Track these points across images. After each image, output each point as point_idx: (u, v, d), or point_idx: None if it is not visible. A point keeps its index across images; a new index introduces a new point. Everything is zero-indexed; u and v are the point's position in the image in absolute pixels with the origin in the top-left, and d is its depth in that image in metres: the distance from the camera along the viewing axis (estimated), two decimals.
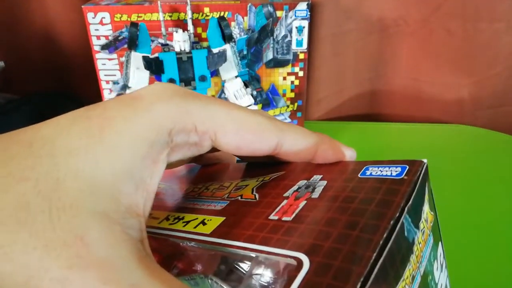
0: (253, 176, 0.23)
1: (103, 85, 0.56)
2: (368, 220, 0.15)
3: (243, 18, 0.53)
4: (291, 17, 0.54)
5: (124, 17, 0.52)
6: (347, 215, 0.16)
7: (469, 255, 0.43)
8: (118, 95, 0.56)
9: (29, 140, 0.16)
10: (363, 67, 0.72)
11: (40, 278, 0.13)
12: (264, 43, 0.55)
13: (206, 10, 0.52)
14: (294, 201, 0.18)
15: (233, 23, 0.53)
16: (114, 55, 0.54)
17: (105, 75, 0.55)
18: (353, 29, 0.68)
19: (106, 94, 0.56)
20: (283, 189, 0.20)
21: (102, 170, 0.16)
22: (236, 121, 0.19)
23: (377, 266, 0.13)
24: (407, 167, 0.17)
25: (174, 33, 0.51)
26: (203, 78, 0.53)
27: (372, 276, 0.13)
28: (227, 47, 0.52)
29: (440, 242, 0.19)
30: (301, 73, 0.57)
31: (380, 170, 0.18)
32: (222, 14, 0.52)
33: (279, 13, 0.53)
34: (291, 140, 0.21)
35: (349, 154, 0.21)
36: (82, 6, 0.51)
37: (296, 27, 0.54)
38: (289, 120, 0.61)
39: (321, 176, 0.20)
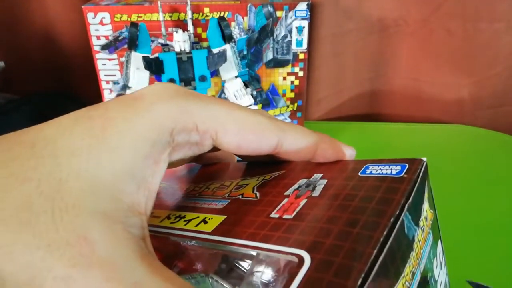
0: (253, 175, 0.24)
1: (103, 85, 0.56)
2: (368, 217, 0.15)
3: (243, 18, 0.53)
4: (291, 17, 0.54)
5: (124, 17, 0.52)
6: (348, 213, 0.16)
7: (469, 255, 0.43)
8: (118, 95, 0.56)
9: (32, 140, 0.16)
10: (363, 67, 0.72)
11: (43, 277, 0.14)
12: (264, 43, 0.55)
13: (206, 10, 0.52)
14: (295, 200, 0.18)
15: (233, 23, 0.53)
16: (114, 55, 0.54)
17: (105, 75, 0.55)
18: (353, 29, 0.68)
19: (106, 94, 0.56)
20: (284, 187, 0.20)
21: (104, 170, 0.16)
22: (236, 120, 0.20)
23: (378, 263, 0.13)
24: (407, 165, 0.17)
25: (174, 33, 0.51)
26: (203, 78, 0.53)
27: (373, 272, 0.13)
28: (227, 47, 0.52)
29: (439, 240, 0.20)
30: (301, 73, 0.58)
31: (380, 169, 0.18)
32: (222, 14, 0.52)
33: (279, 13, 0.53)
34: (291, 140, 0.21)
35: (349, 153, 0.21)
36: (82, 6, 0.51)
37: (296, 27, 0.54)
38: (289, 120, 0.61)
39: (322, 174, 0.20)
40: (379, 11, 0.67)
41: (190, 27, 0.51)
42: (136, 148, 0.17)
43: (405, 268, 0.15)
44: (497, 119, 0.71)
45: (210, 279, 0.19)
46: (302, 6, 0.53)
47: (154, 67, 0.51)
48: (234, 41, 0.53)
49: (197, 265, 0.20)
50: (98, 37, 0.53)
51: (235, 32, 0.54)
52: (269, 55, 0.56)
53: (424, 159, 0.18)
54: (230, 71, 0.54)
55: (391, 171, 0.18)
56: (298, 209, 0.18)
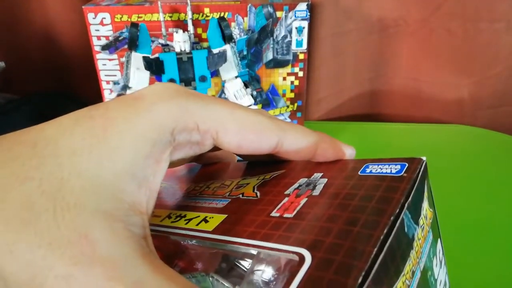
0: (253, 175, 0.24)
1: (104, 85, 0.56)
2: (368, 216, 0.15)
3: (243, 18, 0.53)
4: (291, 18, 0.54)
5: (125, 18, 0.52)
6: (348, 212, 0.16)
7: (469, 255, 0.43)
8: (119, 95, 0.56)
9: (33, 140, 0.16)
10: (363, 67, 0.72)
11: (45, 275, 0.14)
12: (264, 44, 0.55)
13: (206, 10, 0.52)
14: (295, 199, 0.19)
15: (233, 24, 0.53)
16: (115, 56, 0.54)
17: (105, 75, 0.55)
18: (353, 29, 0.68)
19: (107, 95, 0.56)
20: (284, 187, 0.20)
21: (105, 170, 0.16)
22: (237, 120, 0.20)
23: (378, 261, 0.14)
24: (407, 164, 0.18)
25: (175, 33, 0.51)
26: (203, 79, 0.53)
27: (373, 271, 0.13)
28: (227, 47, 0.52)
29: (439, 239, 0.20)
30: (301, 74, 0.58)
31: (380, 168, 0.18)
32: (222, 14, 0.52)
33: (279, 14, 0.53)
34: (291, 139, 0.21)
35: (349, 152, 0.22)
36: (83, 7, 0.51)
37: (296, 28, 0.54)
38: (289, 120, 0.61)
39: (322, 174, 0.20)
40: (379, 11, 0.67)
41: (190, 27, 0.51)
42: (137, 147, 0.17)
43: (405, 266, 0.15)
44: (497, 119, 0.71)
45: (210, 278, 0.19)
46: (302, 6, 0.53)
47: (155, 67, 0.51)
48: (234, 42, 0.53)
49: (197, 264, 0.20)
50: (99, 38, 0.53)
51: (235, 32, 0.54)
52: (269, 55, 0.56)
53: (424, 158, 0.18)
54: (230, 71, 0.54)
55: (391, 170, 0.18)
56: (298, 208, 0.18)
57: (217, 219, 0.20)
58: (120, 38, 0.53)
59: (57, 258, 0.14)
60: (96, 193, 0.15)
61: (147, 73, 0.51)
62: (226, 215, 0.20)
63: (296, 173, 0.21)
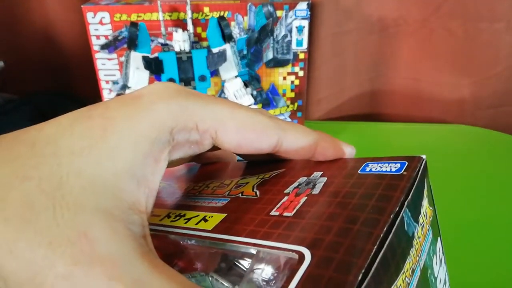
0: (253, 174, 0.24)
1: (103, 85, 0.56)
2: (368, 214, 0.15)
3: (243, 17, 0.53)
4: (291, 17, 0.54)
5: (124, 17, 0.52)
6: (348, 210, 0.16)
7: (470, 254, 0.43)
8: (118, 95, 0.56)
9: (32, 140, 0.16)
10: (363, 67, 0.72)
11: (45, 274, 0.14)
12: (264, 43, 0.55)
13: (206, 9, 0.52)
14: (295, 197, 0.19)
15: (233, 23, 0.53)
16: (114, 55, 0.54)
17: (104, 75, 0.55)
18: (353, 29, 0.68)
19: (106, 94, 0.56)
20: (284, 186, 0.20)
21: (105, 169, 0.16)
22: (237, 119, 0.20)
23: (378, 259, 0.14)
24: (406, 163, 0.18)
25: (174, 32, 0.51)
26: (203, 78, 0.53)
27: (373, 268, 0.13)
28: (227, 47, 0.52)
29: (439, 238, 0.20)
30: (301, 73, 0.58)
31: (379, 166, 0.18)
32: (222, 13, 0.52)
33: (279, 13, 0.53)
34: (291, 138, 0.21)
35: (349, 151, 0.22)
36: (82, 6, 0.51)
37: (296, 27, 0.54)
38: (289, 120, 0.61)
39: (321, 172, 0.20)
40: (379, 11, 0.67)
41: (190, 26, 0.51)
42: (136, 147, 0.17)
43: (405, 264, 0.15)
44: (497, 119, 0.71)
45: (210, 278, 0.19)
46: (302, 5, 0.53)
47: (154, 66, 0.51)
48: (234, 41, 0.53)
49: (197, 264, 0.20)
50: (98, 37, 0.53)
51: (235, 31, 0.54)
52: (269, 54, 0.56)
53: (424, 156, 0.18)
54: (230, 71, 0.54)
55: (391, 169, 0.18)
56: (298, 206, 0.18)
57: (216, 218, 0.20)
58: (119, 38, 0.53)
59: (57, 257, 0.14)
60: (96, 192, 0.15)
61: (147, 72, 0.51)
62: (226, 214, 0.20)
63: (295, 172, 0.21)
